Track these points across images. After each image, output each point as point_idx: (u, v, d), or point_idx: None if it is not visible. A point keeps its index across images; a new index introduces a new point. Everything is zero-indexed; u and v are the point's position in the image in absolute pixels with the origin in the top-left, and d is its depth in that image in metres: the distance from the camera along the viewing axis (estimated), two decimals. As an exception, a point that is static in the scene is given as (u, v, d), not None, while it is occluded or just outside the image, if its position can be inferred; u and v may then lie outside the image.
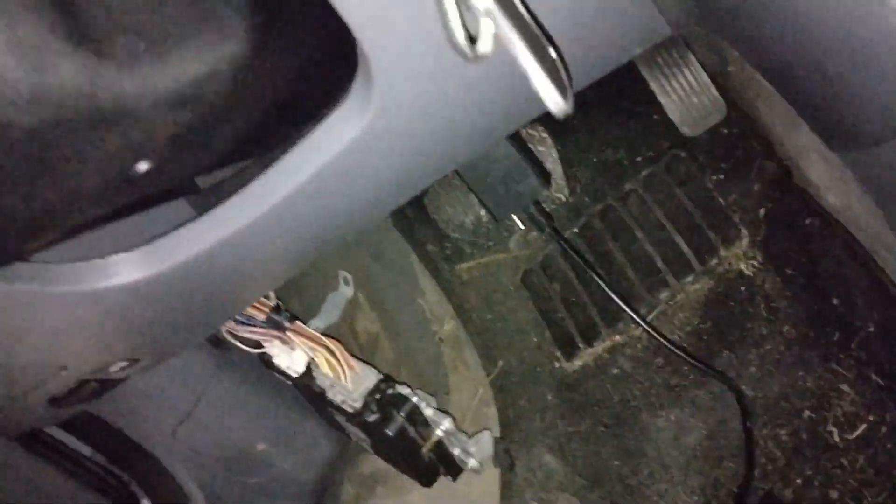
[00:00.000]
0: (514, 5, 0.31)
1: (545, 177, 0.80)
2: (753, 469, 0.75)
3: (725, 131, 0.94)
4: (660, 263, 0.95)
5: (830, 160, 0.70)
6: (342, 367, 0.82)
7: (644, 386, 0.91)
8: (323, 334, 0.89)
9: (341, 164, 0.48)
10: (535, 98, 0.37)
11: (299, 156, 0.48)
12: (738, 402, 0.80)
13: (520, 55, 0.32)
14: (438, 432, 0.85)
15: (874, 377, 0.74)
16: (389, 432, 0.82)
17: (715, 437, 0.83)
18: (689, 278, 0.93)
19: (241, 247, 0.53)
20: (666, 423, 0.87)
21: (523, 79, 0.37)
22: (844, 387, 0.77)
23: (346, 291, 1.01)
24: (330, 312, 0.98)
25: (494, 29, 0.32)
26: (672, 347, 0.87)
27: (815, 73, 0.55)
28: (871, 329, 0.73)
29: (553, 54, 0.33)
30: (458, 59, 0.38)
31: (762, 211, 0.90)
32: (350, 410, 0.83)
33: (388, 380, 0.84)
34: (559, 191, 0.97)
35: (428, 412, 0.85)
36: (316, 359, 0.84)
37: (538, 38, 0.32)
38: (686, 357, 0.86)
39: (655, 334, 0.88)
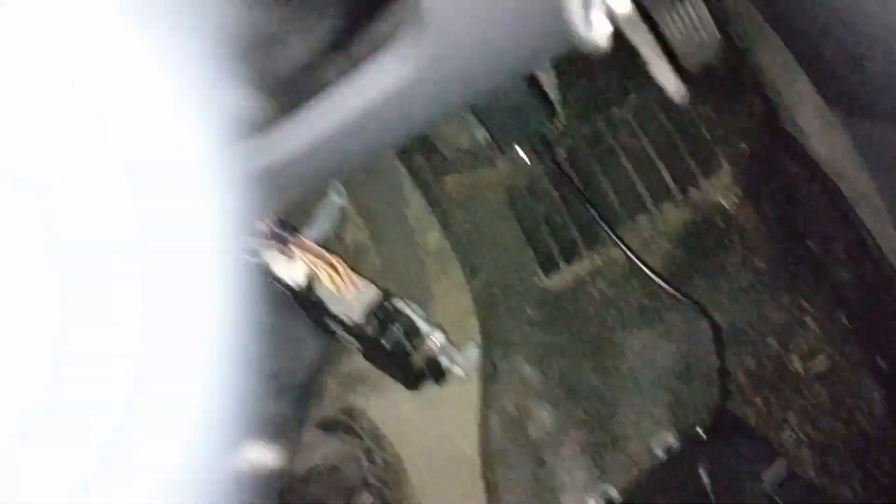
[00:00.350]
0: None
1: (550, 108, 0.79)
2: (727, 392, 0.80)
3: (718, 65, 0.93)
4: (641, 189, 0.96)
5: (824, 111, 0.71)
6: (345, 283, 0.82)
7: (620, 306, 0.94)
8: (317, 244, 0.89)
9: (381, 105, 0.47)
10: (567, 35, 0.37)
11: (339, 97, 0.46)
12: (710, 327, 0.85)
13: (646, 51, 0.31)
14: (430, 345, 0.87)
15: (842, 319, 0.78)
16: (386, 345, 0.84)
17: (685, 359, 0.87)
18: (669, 206, 0.94)
19: (263, 180, 0.52)
20: (639, 343, 0.91)
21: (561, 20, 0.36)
22: (810, 321, 0.81)
23: (338, 201, 1.00)
24: (322, 222, 0.96)
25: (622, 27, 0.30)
26: (648, 270, 0.90)
27: (835, 39, 0.54)
28: (845, 276, 0.77)
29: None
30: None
31: (746, 147, 0.91)
32: (349, 323, 0.84)
33: (387, 295, 0.85)
34: (557, 117, 0.96)
35: (422, 325, 0.87)
36: (318, 273, 0.84)
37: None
38: (661, 281, 0.89)
39: (633, 256, 0.91)
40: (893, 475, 0.72)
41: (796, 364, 0.80)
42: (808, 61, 0.65)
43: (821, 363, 0.78)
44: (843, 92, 0.59)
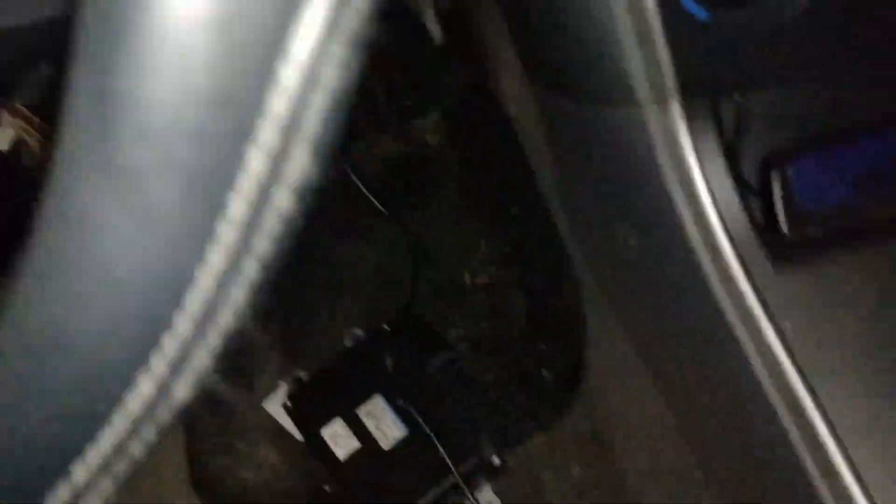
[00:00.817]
0: None
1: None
2: (413, 297, 0.95)
3: (449, 24, 1.06)
4: (360, 117, 1.06)
5: (522, 79, 0.88)
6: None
7: (331, 217, 1.04)
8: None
9: None
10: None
11: None
12: (407, 243, 0.99)
13: None
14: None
15: (506, 245, 0.98)
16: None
17: (382, 268, 1.01)
18: (386, 137, 1.06)
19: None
20: (344, 252, 1.02)
21: None
22: (482, 245, 1.00)
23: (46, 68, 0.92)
24: (33, 89, 0.88)
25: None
26: (362, 188, 1.01)
27: (542, 20, 0.68)
28: (515, 211, 0.96)
29: None
30: None
31: (456, 100, 1.06)
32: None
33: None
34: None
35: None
36: (28, 139, 0.78)
37: None
38: (372, 199, 1.01)
39: (350, 173, 1.01)
40: (524, 370, 0.94)
41: (467, 278, 0.99)
42: (517, 34, 0.80)
43: (484, 279, 0.98)
44: (540, 67, 0.75)
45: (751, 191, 0.57)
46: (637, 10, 0.52)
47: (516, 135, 0.91)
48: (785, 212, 0.56)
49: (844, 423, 0.48)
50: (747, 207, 0.56)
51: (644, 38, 0.52)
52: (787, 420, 0.49)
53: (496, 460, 0.86)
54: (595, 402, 0.86)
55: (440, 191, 1.02)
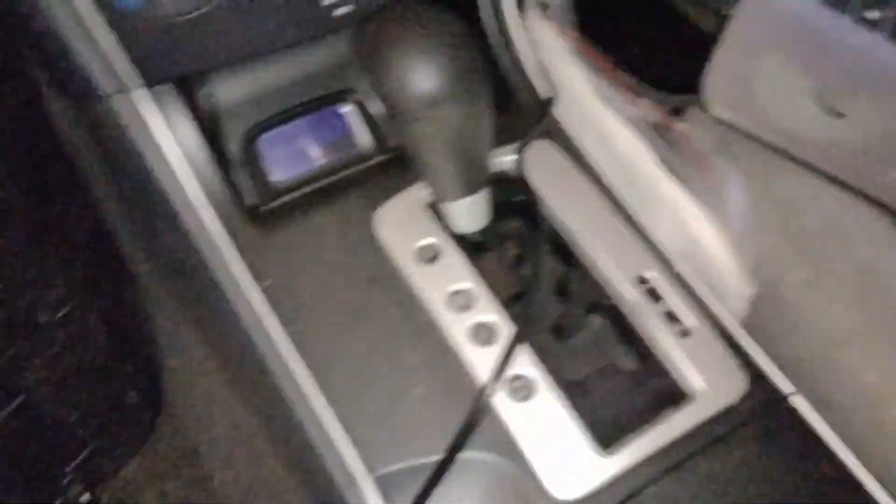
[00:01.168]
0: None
1: None
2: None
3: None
4: None
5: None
6: None
7: None
8: None
9: None
10: None
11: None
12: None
13: None
14: None
15: (79, 273, 0.93)
16: None
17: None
18: None
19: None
20: None
21: None
22: (58, 279, 0.93)
23: None
24: None
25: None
26: None
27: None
28: (80, 236, 0.92)
29: None
30: None
31: (8, 129, 0.99)
32: None
33: None
34: None
35: None
36: None
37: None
38: None
39: None
40: (111, 397, 0.90)
41: (43, 315, 0.92)
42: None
43: (62, 311, 0.92)
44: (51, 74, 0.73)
45: (234, 166, 0.61)
46: (73, 8, 0.54)
47: (72, 155, 0.88)
48: (260, 184, 0.61)
49: (314, 349, 0.54)
50: (230, 182, 0.60)
51: (87, 33, 0.54)
52: (273, 361, 0.54)
53: (86, 498, 0.81)
54: (178, 411, 0.86)
55: (4, 230, 0.94)
